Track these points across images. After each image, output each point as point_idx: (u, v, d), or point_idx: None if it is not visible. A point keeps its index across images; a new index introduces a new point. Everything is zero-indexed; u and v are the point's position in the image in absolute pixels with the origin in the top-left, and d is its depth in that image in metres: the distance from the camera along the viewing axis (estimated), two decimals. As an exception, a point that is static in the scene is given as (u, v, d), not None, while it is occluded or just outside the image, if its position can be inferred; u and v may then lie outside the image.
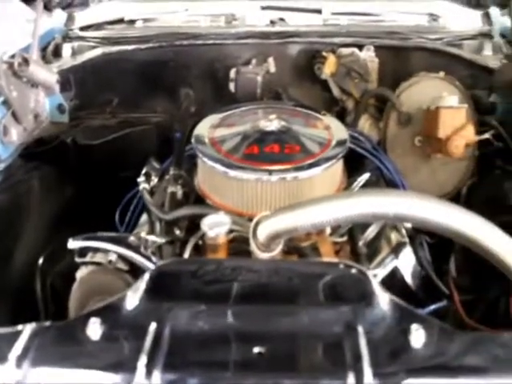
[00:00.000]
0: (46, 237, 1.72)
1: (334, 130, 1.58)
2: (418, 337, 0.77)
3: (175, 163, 1.64)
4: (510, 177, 1.75)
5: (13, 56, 1.78)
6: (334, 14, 2.25)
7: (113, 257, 1.19)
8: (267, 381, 0.74)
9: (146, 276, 0.91)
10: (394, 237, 1.39)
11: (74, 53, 2.19)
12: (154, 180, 1.66)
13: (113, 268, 1.19)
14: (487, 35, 2.17)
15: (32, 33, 1.92)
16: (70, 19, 2.27)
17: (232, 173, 1.38)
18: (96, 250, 1.21)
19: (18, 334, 0.81)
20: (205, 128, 1.59)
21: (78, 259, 1.21)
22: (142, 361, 0.75)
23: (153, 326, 0.81)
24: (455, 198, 1.89)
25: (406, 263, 1.32)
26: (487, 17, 2.21)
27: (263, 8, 2.28)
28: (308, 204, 1.09)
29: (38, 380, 0.76)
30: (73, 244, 1.21)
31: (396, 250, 1.32)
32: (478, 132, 1.80)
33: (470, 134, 1.70)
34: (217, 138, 1.53)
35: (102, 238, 1.24)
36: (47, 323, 0.86)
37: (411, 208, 1.01)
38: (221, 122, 1.63)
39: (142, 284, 0.89)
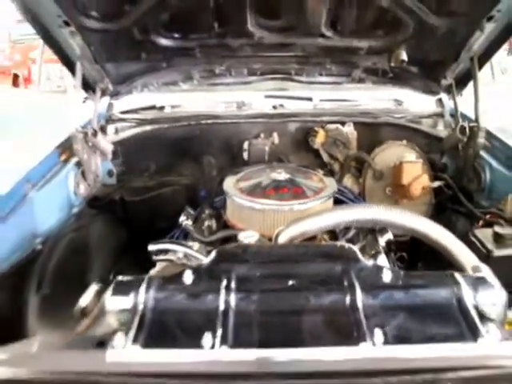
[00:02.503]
0: (108, 265, 2.22)
1: (326, 180, 2.13)
2: (387, 275, 1.29)
3: (209, 206, 2.17)
4: (457, 214, 2.33)
5: (84, 126, 2.34)
6: (321, 100, 2.92)
7: (180, 255, 1.68)
8: (299, 296, 1.24)
9: (214, 251, 1.41)
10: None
11: (117, 131, 2.76)
12: (190, 223, 2.16)
13: (181, 263, 1.68)
14: (440, 115, 2.80)
15: (93, 111, 2.49)
16: (110, 106, 2.85)
17: (257, 206, 1.92)
18: (166, 251, 1.70)
19: (141, 279, 1.29)
20: (231, 182, 2.12)
21: (154, 257, 1.70)
22: (223, 291, 1.25)
23: (224, 274, 1.31)
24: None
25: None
26: (440, 101, 2.85)
27: (266, 96, 2.93)
28: (312, 216, 1.64)
29: (159, 302, 1.24)
30: (152, 247, 1.70)
31: (374, 256, 1.83)
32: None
33: (425, 181, 2.30)
34: (241, 187, 2.06)
35: (173, 242, 1.74)
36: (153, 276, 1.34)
37: (384, 215, 1.57)
38: (242, 177, 2.18)
39: (212, 255, 1.39)
